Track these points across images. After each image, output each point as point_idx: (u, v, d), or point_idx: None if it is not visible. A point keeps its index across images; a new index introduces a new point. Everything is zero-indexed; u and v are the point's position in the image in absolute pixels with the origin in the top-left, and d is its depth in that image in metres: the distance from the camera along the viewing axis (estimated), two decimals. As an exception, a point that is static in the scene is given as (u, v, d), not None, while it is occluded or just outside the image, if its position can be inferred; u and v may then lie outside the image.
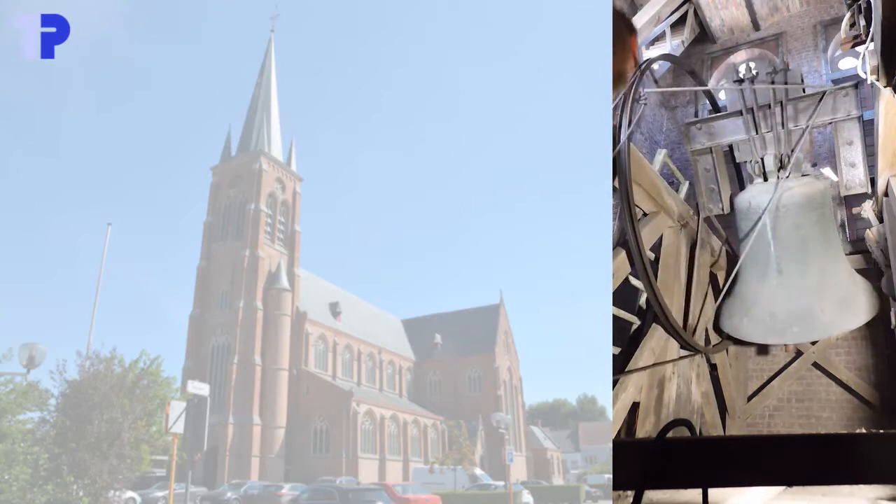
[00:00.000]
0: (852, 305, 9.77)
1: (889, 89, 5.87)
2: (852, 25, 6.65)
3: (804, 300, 9.73)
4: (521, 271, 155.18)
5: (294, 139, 56.79)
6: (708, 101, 13.31)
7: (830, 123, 9.14)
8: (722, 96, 16.78)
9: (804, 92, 9.01)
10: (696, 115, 16.21)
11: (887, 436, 2.45)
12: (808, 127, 9.01)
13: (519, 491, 29.69)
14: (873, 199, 10.01)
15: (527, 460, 62.80)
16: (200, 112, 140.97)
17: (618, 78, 8.33)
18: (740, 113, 9.32)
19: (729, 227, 11.38)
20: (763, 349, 13.50)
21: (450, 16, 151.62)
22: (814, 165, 10.37)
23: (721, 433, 11.62)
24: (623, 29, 10.54)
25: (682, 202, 10.20)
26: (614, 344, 9.16)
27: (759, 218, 9.59)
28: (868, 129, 10.03)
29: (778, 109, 9.04)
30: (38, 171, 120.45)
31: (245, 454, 42.16)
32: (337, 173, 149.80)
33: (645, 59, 11.75)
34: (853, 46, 6.78)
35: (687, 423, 2.98)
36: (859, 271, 10.88)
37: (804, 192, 9.49)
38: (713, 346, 11.00)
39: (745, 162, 9.96)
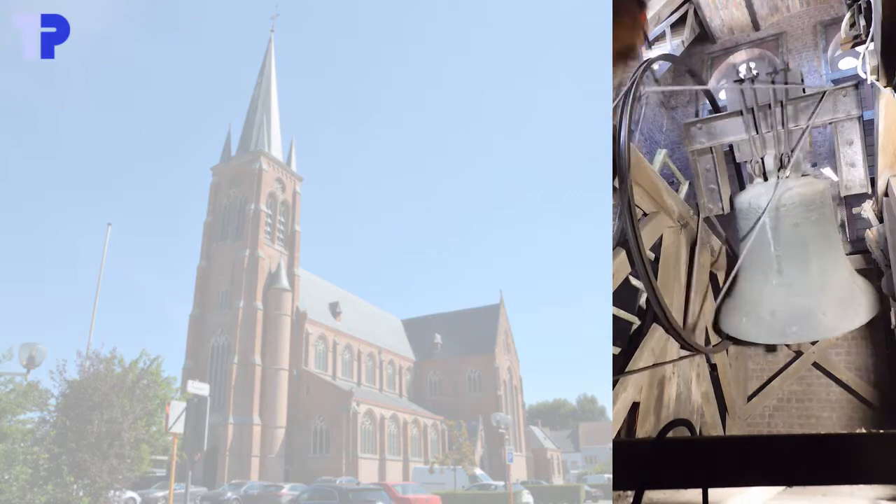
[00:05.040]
0: (853, 306, 9.75)
1: (889, 89, 5.86)
2: (852, 25, 6.64)
3: (805, 300, 9.72)
4: (521, 271, 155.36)
5: (294, 139, 56.95)
6: (708, 101, 13.31)
7: (830, 123, 9.21)
8: (722, 96, 16.78)
9: (804, 92, 9.03)
10: (696, 114, 16.20)
11: (887, 436, 2.45)
12: (808, 127, 9.05)
13: (519, 491, 29.68)
14: (873, 199, 10.00)
15: (527, 460, 62.80)
16: (200, 112, 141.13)
17: (626, 52, 8.27)
18: (740, 113, 9.35)
19: (729, 227, 11.37)
20: (772, 347, 13.47)
21: (450, 16, 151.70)
22: (814, 165, 10.38)
23: (721, 433, 11.61)
24: (633, 4, 10.49)
25: (682, 202, 10.19)
26: (614, 344, 9.16)
27: (759, 218, 9.58)
28: (868, 129, 10.03)
29: (778, 109, 9.09)
30: (38, 171, 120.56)
31: (245, 454, 42.15)
32: (337, 173, 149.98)
33: (645, 59, 11.75)
34: (853, 46, 6.77)
35: (687, 423, 2.98)
36: (859, 271, 10.87)
37: (804, 192, 9.47)
38: (713, 345, 10.99)
39: (746, 162, 9.97)
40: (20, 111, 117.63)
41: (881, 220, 9.91)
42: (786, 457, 2.44)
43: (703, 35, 16.64)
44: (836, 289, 9.78)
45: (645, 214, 9.34)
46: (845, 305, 9.73)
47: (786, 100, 9.04)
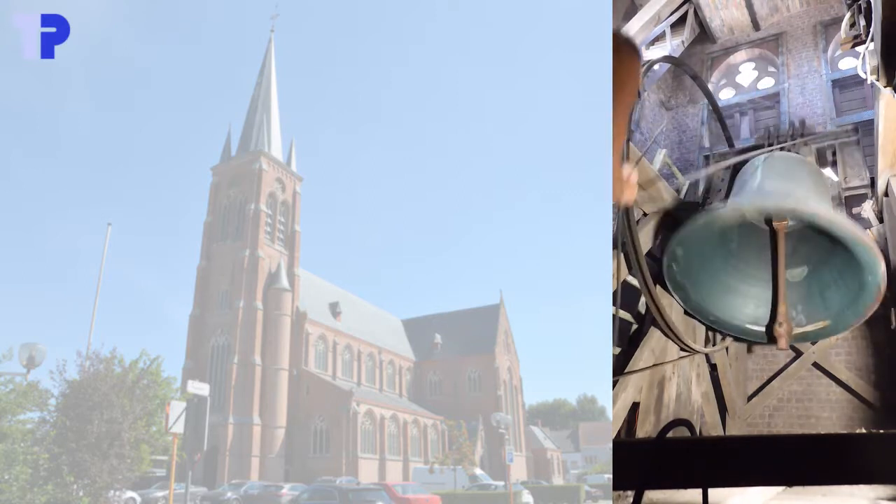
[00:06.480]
0: (846, 220, 8.16)
1: (889, 89, 5.86)
2: (852, 25, 6.65)
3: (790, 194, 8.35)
4: (521, 271, 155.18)
5: (294, 139, 56.90)
6: (708, 102, 13.32)
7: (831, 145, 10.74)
8: (722, 96, 16.80)
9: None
10: (701, 119, 16.21)
11: (887, 436, 2.45)
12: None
13: (519, 491, 29.70)
14: (873, 199, 10.02)
15: (527, 460, 62.79)
16: (200, 112, 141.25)
17: (625, 108, 8.24)
18: (763, 146, 10.87)
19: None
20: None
21: (450, 16, 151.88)
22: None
23: (721, 433, 11.61)
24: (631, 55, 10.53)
25: (681, 202, 10.19)
26: (614, 344, 9.15)
27: (752, 161, 9.46)
28: (868, 129, 10.04)
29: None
30: (38, 171, 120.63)
31: (245, 454, 42.15)
32: (337, 173, 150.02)
33: (645, 59, 11.76)
34: (853, 46, 6.79)
35: (687, 423, 2.98)
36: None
37: (801, 157, 9.96)
38: (713, 346, 10.99)
39: None
40: (20, 111, 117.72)
41: (881, 221, 9.92)
42: (786, 457, 2.43)
43: (703, 35, 16.65)
44: (826, 208, 8.52)
45: (644, 214, 9.34)
46: (831, 210, 8.39)
47: (800, 140, 10.77)
